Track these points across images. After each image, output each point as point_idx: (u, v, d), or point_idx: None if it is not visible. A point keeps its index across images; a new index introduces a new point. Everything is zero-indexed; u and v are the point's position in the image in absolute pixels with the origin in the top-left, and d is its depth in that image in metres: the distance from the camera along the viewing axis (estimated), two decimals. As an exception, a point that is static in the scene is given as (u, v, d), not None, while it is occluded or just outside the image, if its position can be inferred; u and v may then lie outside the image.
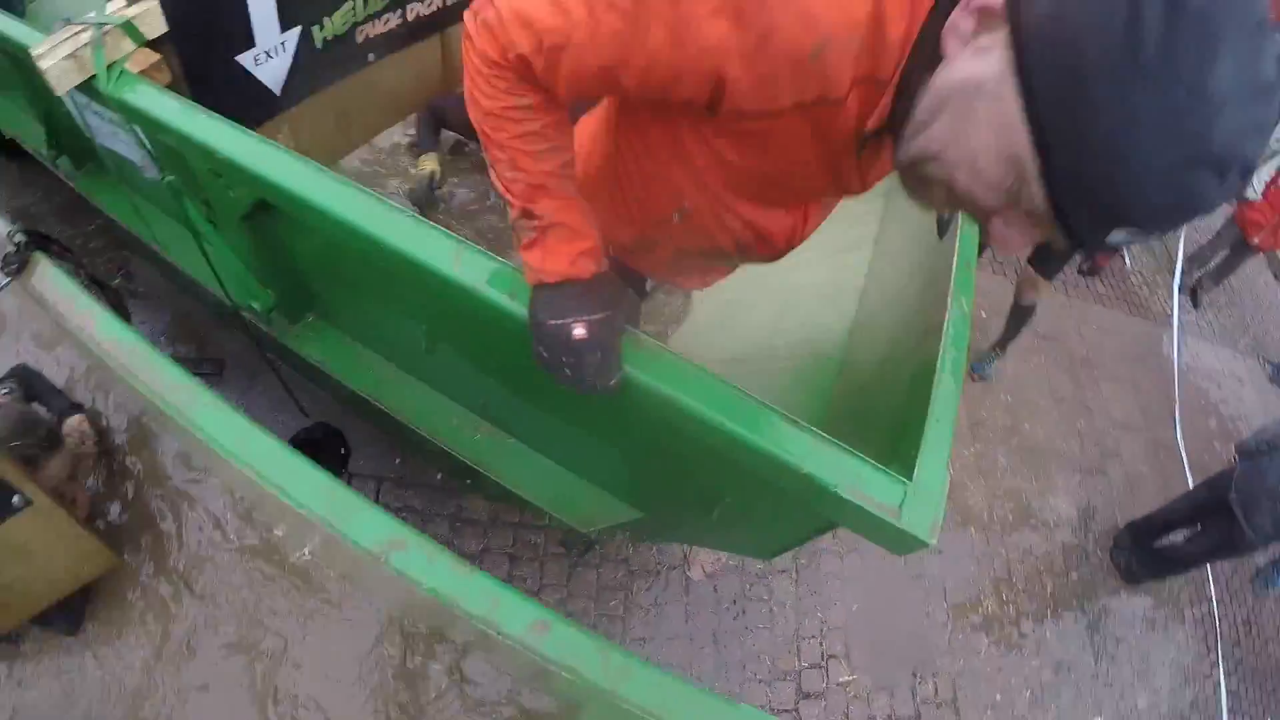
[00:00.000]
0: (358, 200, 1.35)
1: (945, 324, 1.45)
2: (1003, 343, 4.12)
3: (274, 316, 1.88)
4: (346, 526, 1.19)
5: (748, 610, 2.83)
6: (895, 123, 0.81)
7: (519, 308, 1.17)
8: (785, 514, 1.42)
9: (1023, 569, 3.57)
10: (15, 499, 1.76)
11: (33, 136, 2.55)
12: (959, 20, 0.71)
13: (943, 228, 1.56)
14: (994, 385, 4.22)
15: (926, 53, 0.75)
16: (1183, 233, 5.18)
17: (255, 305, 1.84)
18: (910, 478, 1.11)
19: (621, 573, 2.74)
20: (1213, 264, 5.68)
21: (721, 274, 1.66)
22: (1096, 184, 0.64)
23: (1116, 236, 0.67)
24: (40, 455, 2.16)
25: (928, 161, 0.76)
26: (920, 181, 0.79)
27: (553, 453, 1.85)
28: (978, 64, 0.69)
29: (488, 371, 1.71)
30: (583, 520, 1.85)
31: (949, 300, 1.49)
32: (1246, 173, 0.62)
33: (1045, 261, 3.72)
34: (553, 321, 1.02)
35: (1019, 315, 3.96)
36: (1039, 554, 3.67)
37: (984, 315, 4.44)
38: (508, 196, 1.03)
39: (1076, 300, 5.01)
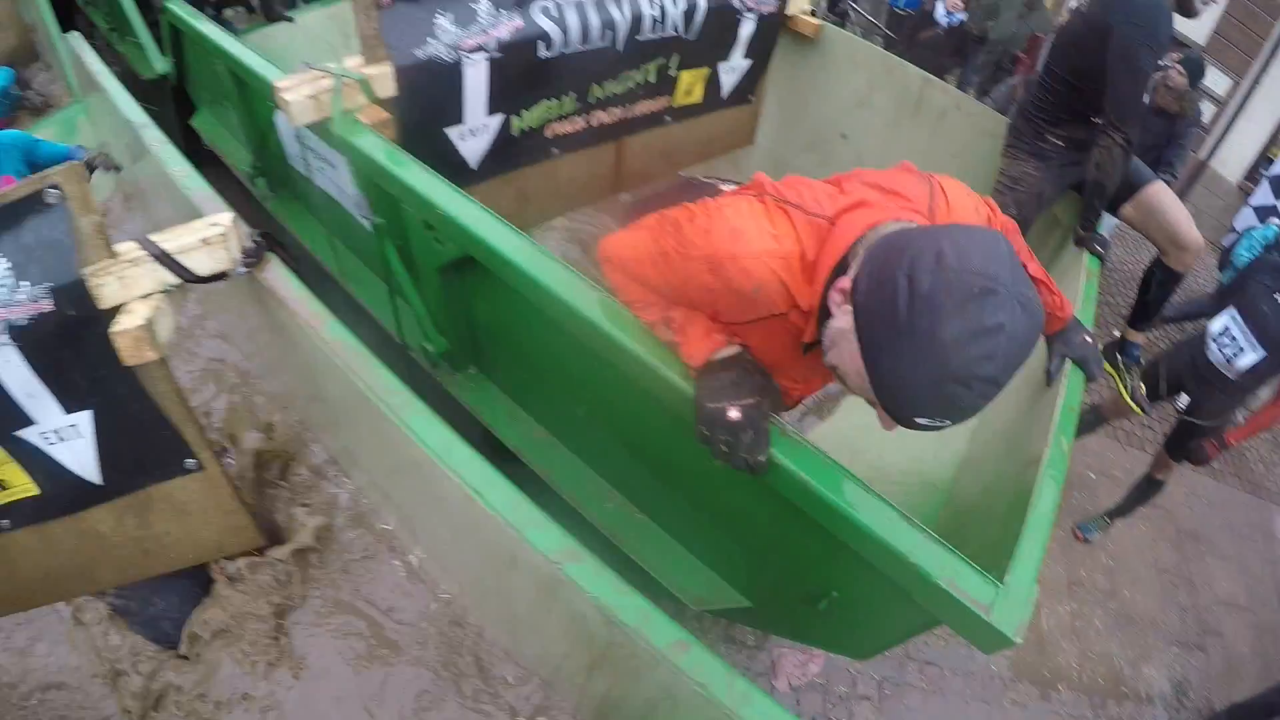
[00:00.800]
0: (560, 272, 1.53)
1: (1045, 456, 1.59)
2: (1119, 511, 4.04)
3: (441, 362, 2.04)
4: (532, 535, 1.33)
5: (827, 730, 2.77)
6: (819, 342, 1.22)
7: (688, 387, 1.36)
8: (887, 609, 1.51)
9: (1111, 738, 3.39)
10: (189, 462, 1.85)
11: (236, 154, 2.86)
12: (833, 293, 1.12)
13: (1050, 375, 1.83)
14: (1095, 547, 4.11)
15: (826, 307, 1.16)
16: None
17: (429, 348, 2.01)
18: (1002, 581, 1.25)
19: (708, 669, 2.72)
20: (1332, 445, 5.45)
21: None
22: (891, 395, 1.02)
23: (920, 422, 1.02)
24: None
25: (834, 369, 1.15)
26: (839, 380, 1.17)
27: (677, 531, 1.94)
28: (843, 320, 1.07)
29: (634, 445, 1.83)
30: (694, 599, 1.91)
31: (1050, 436, 1.63)
32: (992, 383, 0.96)
33: (1174, 445, 3.70)
34: (711, 404, 1.28)
35: (1146, 488, 3.91)
36: (1128, 725, 3.49)
37: (1091, 476, 4.37)
38: (648, 321, 1.45)
39: (1188, 471, 4.84)
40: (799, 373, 1.49)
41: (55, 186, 1.48)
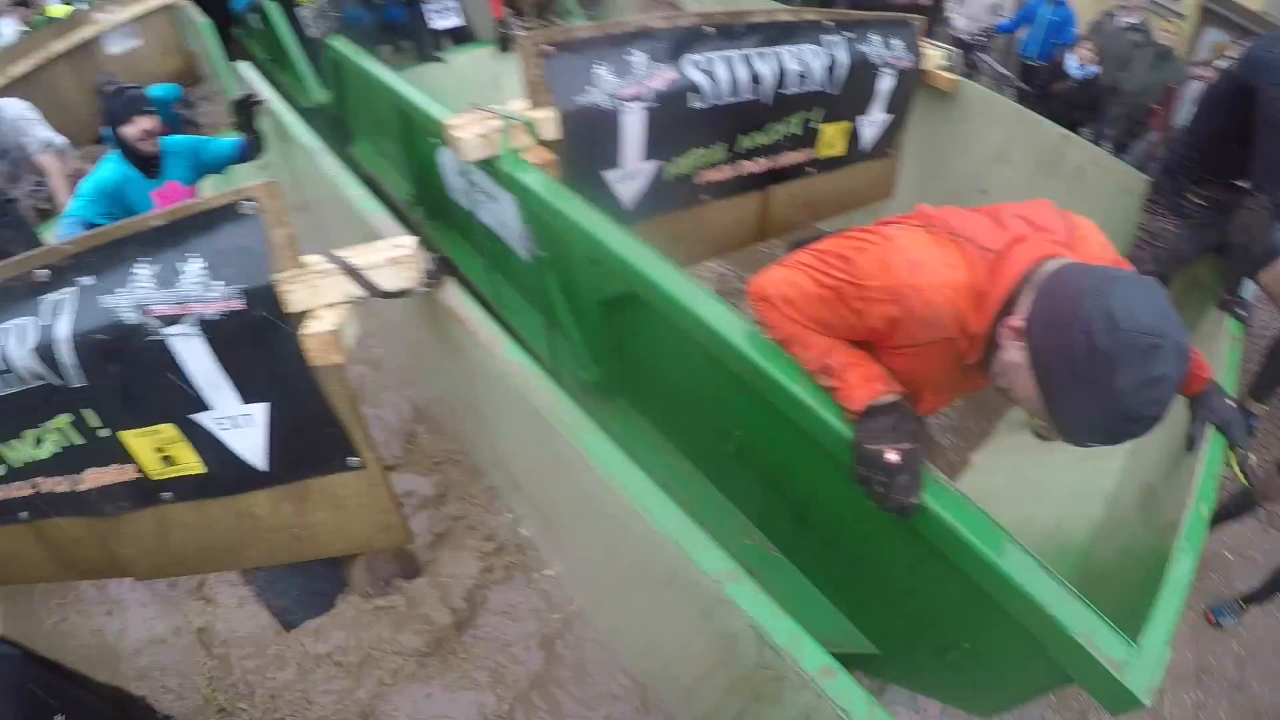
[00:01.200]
0: (724, 312, 1.61)
1: (1183, 522, 1.57)
2: (1256, 596, 3.80)
3: (593, 391, 2.14)
4: (695, 554, 1.40)
5: (934, 793, 2.70)
6: (984, 365, 1.36)
7: (844, 428, 1.42)
8: (1017, 664, 1.50)
9: (1231, 844, 3.17)
10: (352, 460, 1.91)
11: (394, 183, 3.04)
12: (1003, 330, 1.27)
13: (1193, 441, 1.83)
14: (1228, 634, 3.85)
15: (993, 340, 1.31)
16: None
17: (584, 376, 2.11)
18: (1136, 641, 1.24)
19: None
20: None
21: None
22: (1069, 426, 1.21)
23: (1090, 445, 1.21)
24: None
25: (1006, 392, 1.31)
26: (1010, 400, 1.34)
27: (810, 572, 1.96)
28: (1015, 354, 1.24)
29: (779, 484, 1.87)
30: (822, 641, 1.91)
31: (1189, 501, 1.63)
32: (1156, 419, 1.13)
33: None
34: (870, 446, 1.36)
35: None
36: (1250, 832, 3.25)
37: (1229, 557, 4.13)
38: (808, 368, 1.51)
39: (1333, 560, 4.52)
40: (946, 387, 1.61)
41: (250, 199, 1.61)
